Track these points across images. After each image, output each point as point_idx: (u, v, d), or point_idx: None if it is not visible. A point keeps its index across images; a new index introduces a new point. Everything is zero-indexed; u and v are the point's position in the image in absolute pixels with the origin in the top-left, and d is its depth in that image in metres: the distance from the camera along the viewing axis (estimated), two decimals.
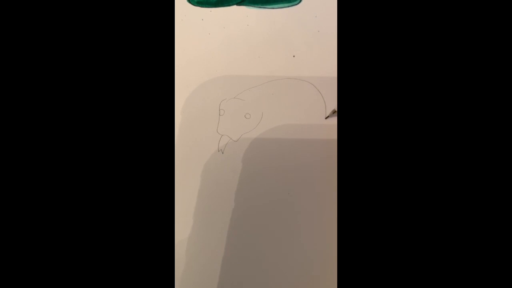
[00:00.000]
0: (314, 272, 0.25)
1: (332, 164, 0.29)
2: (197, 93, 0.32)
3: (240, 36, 0.35)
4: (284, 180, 0.28)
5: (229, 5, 0.37)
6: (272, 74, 0.32)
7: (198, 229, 0.27)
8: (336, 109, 0.28)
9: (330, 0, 0.36)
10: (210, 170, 0.28)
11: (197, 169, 0.28)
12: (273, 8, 0.37)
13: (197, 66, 0.33)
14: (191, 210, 0.27)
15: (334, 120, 0.30)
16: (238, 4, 0.37)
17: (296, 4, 0.37)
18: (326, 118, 0.29)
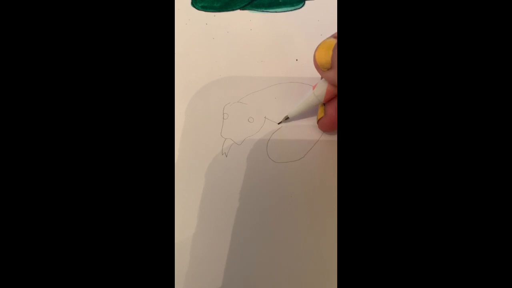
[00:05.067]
0: (317, 274, 0.26)
1: (333, 165, 0.29)
2: (201, 97, 0.32)
3: (244, 40, 0.35)
4: (286, 182, 0.28)
5: (233, 9, 0.37)
6: (275, 78, 0.33)
7: (201, 232, 0.27)
8: (288, 116, 0.30)
9: (332, 4, 0.37)
10: (214, 173, 0.29)
11: (201, 172, 0.29)
12: (276, 12, 0.37)
13: (201, 70, 0.33)
14: (195, 213, 0.27)
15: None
16: (242, 8, 0.37)
17: (299, 9, 0.37)
18: (279, 123, 0.31)
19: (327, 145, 0.30)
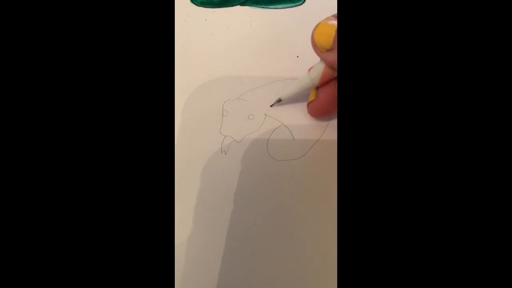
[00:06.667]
0: (317, 274, 0.25)
1: (334, 164, 0.28)
2: (200, 94, 0.32)
3: (244, 37, 0.35)
4: (287, 181, 0.28)
5: (232, 5, 0.37)
6: (276, 74, 0.32)
7: (199, 230, 0.27)
8: (281, 99, 0.30)
9: (333, 1, 0.36)
10: (213, 171, 0.28)
11: (199, 170, 0.28)
12: (276, 8, 0.36)
13: (200, 66, 0.33)
14: (193, 211, 0.27)
15: (334, 122, 0.30)
16: (242, 4, 0.37)
17: (299, 5, 0.37)
18: (271, 106, 0.30)
19: (329, 144, 0.29)
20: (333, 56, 0.24)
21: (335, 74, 0.26)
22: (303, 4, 0.37)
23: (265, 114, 0.30)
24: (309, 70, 0.27)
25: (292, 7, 0.37)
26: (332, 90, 0.27)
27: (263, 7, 0.37)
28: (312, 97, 0.28)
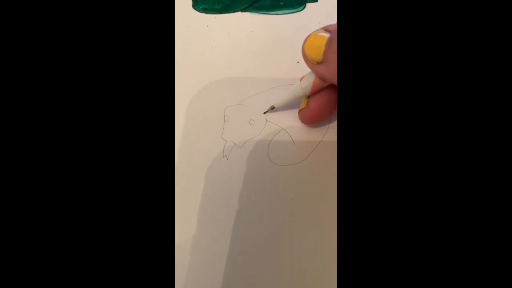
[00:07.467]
0: (317, 277, 0.26)
1: (334, 168, 0.29)
2: (202, 99, 0.32)
3: (245, 42, 0.35)
4: (288, 185, 0.28)
5: (234, 11, 0.37)
6: (276, 80, 0.33)
7: (201, 234, 0.27)
8: (274, 106, 0.31)
9: (333, 7, 0.37)
10: (215, 175, 0.29)
11: (202, 174, 0.29)
12: (277, 14, 0.37)
13: (201, 72, 0.33)
14: (195, 215, 0.27)
15: (333, 126, 0.30)
16: (243, 10, 0.37)
17: (300, 11, 0.37)
18: (264, 113, 0.31)
19: (329, 148, 0.30)
20: (324, 69, 0.25)
21: (326, 84, 0.27)
22: (303, 10, 0.37)
23: (266, 120, 0.31)
24: (301, 79, 0.28)
25: (292, 13, 0.37)
26: (322, 99, 0.28)
27: (264, 13, 0.37)
28: (303, 105, 0.29)
